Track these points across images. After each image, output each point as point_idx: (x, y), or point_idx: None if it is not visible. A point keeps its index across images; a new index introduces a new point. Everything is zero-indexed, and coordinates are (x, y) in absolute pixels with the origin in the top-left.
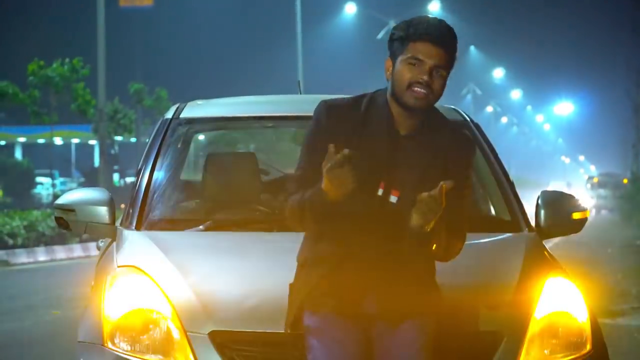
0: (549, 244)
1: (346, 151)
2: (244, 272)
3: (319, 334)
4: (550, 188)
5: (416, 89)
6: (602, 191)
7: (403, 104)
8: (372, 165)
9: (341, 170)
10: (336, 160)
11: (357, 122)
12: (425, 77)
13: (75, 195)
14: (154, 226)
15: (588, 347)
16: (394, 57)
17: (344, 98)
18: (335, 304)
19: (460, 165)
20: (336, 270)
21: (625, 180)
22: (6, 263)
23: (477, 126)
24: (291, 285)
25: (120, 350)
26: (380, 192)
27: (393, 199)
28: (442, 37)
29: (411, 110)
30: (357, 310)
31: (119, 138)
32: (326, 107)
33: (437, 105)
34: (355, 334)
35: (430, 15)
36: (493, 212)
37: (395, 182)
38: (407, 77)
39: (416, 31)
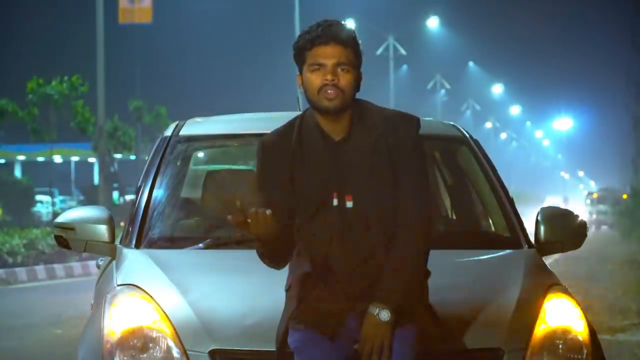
0: (548, 260)
1: (259, 212)
2: (243, 290)
3: (301, 351)
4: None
5: (326, 91)
6: (601, 207)
7: (320, 109)
8: (318, 177)
9: (258, 220)
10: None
11: (294, 144)
12: (330, 77)
13: (74, 213)
14: (153, 244)
15: None
16: (300, 69)
17: (279, 128)
18: (315, 322)
19: (405, 151)
20: (315, 286)
21: (624, 196)
22: (6, 282)
23: (477, 142)
24: (282, 313)
25: None
26: (335, 202)
27: (349, 204)
28: (335, 36)
29: (330, 113)
30: (337, 327)
31: (118, 156)
32: (261, 144)
33: (435, 121)
34: (336, 351)
35: (322, 21)
36: (493, 228)
37: (346, 188)
38: (314, 83)
39: (309, 39)
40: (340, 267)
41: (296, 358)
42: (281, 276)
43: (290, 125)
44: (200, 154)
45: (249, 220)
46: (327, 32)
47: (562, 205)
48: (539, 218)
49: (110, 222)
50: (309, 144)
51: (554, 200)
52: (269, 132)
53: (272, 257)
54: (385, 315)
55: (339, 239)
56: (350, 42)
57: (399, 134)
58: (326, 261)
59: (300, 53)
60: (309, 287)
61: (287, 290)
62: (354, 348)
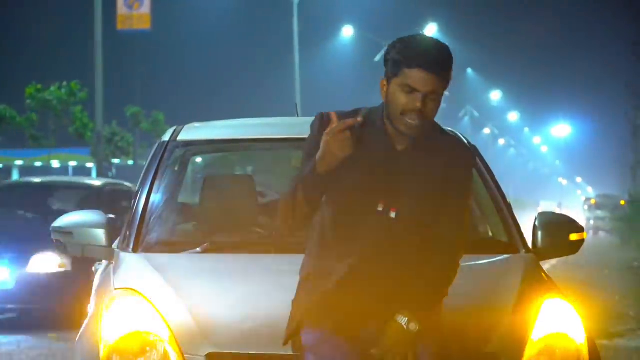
0: (546, 265)
1: (349, 120)
2: (241, 294)
3: (315, 351)
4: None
5: (409, 118)
6: (599, 213)
7: (396, 128)
8: (370, 181)
9: (342, 135)
10: (339, 125)
11: (353, 135)
12: (419, 105)
13: (72, 217)
14: (151, 248)
15: None
16: (388, 77)
17: (341, 111)
18: (334, 323)
19: (459, 179)
20: (339, 286)
21: (622, 202)
22: None
23: (475, 148)
24: (293, 301)
25: None
26: (380, 207)
27: (392, 214)
28: (437, 65)
29: (404, 135)
30: (356, 332)
31: (116, 161)
32: (321, 118)
33: (458, 139)
34: (352, 355)
35: (425, 36)
36: (490, 233)
37: (395, 198)
38: (401, 104)
39: (411, 58)
40: (370, 272)
41: (309, 356)
42: (279, 280)
43: (353, 114)
44: (198, 159)
45: (341, 134)
46: (433, 60)
47: (557, 211)
48: (536, 223)
49: (108, 226)
50: (369, 144)
51: (547, 206)
52: (265, 137)
53: (309, 198)
54: (414, 326)
55: (374, 245)
56: (448, 71)
57: (457, 164)
58: (356, 264)
59: (396, 65)
60: (333, 283)
61: (305, 278)
62: (371, 352)
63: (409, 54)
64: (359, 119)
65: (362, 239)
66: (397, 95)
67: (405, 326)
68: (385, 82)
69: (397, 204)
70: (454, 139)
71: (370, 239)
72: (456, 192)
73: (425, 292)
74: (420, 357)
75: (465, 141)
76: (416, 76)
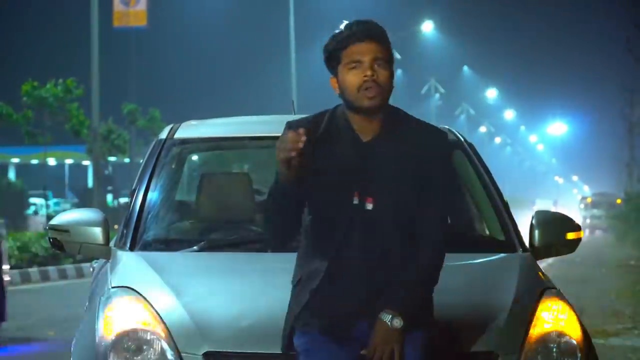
0: (543, 263)
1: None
2: (238, 293)
3: (307, 354)
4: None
5: (367, 91)
6: (595, 211)
7: (359, 108)
8: (342, 176)
9: (291, 150)
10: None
11: (321, 136)
12: (369, 72)
13: (69, 216)
14: (148, 247)
15: None
16: (334, 71)
17: (307, 117)
18: (324, 324)
19: (433, 161)
20: (323, 285)
21: (618, 201)
22: None
23: (471, 146)
24: (288, 307)
25: None
26: (356, 200)
27: (369, 206)
28: (369, 31)
29: (370, 112)
30: (347, 332)
31: (112, 158)
32: (289, 128)
33: (431, 124)
34: (344, 354)
35: (353, 20)
36: (487, 232)
37: (369, 189)
38: (353, 81)
39: (342, 38)
40: (354, 267)
41: (302, 359)
42: (276, 278)
43: (316, 117)
44: (195, 157)
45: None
46: (362, 29)
47: (552, 209)
48: (533, 222)
49: (105, 225)
50: (337, 140)
51: (543, 204)
52: (262, 135)
53: (281, 218)
54: (398, 322)
55: (355, 239)
56: (384, 38)
57: (429, 147)
58: (339, 260)
59: (334, 54)
60: (320, 285)
61: (296, 284)
62: (362, 352)
63: (340, 37)
64: (301, 131)
65: (340, 234)
66: (347, 77)
67: (389, 323)
68: (334, 79)
69: (373, 195)
70: (424, 123)
71: (348, 233)
72: (433, 180)
73: (410, 289)
74: (412, 350)
75: (462, 138)
76: (355, 50)
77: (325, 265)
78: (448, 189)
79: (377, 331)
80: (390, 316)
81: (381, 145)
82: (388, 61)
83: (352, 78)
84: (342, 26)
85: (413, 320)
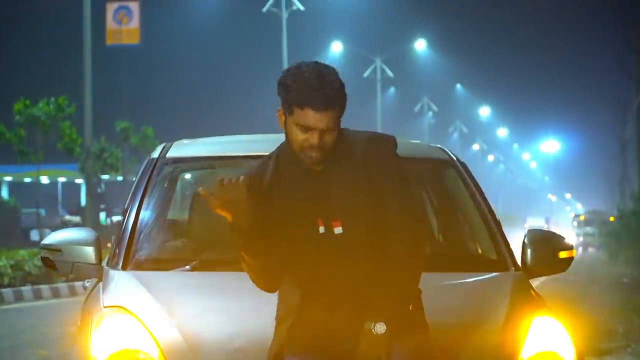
0: (536, 281)
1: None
2: (230, 312)
3: None
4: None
5: (309, 154)
6: (588, 229)
7: (302, 163)
8: (302, 207)
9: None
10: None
11: (271, 176)
12: (316, 142)
13: (61, 235)
14: (140, 266)
15: None
16: (283, 110)
17: (254, 165)
18: (312, 345)
19: (384, 167)
20: (301, 315)
21: (611, 218)
22: None
23: (464, 165)
24: (271, 342)
25: None
26: (321, 229)
27: (338, 230)
28: (325, 102)
29: (310, 167)
30: (333, 350)
31: (105, 176)
32: (221, 183)
33: (422, 144)
34: None
35: (311, 67)
36: (480, 251)
37: (333, 214)
38: (298, 141)
39: (300, 98)
40: (333, 292)
41: None
42: (268, 298)
43: (267, 159)
44: (188, 176)
45: (220, 186)
46: (320, 98)
47: (544, 227)
48: (525, 241)
49: (97, 244)
50: (289, 175)
51: (534, 222)
52: (255, 154)
53: (263, 273)
54: (380, 327)
55: (329, 265)
56: (340, 104)
57: (377, 155)
58: (317, 288)
59: (288, 101)
60: (302, 315)
61: (278, 320)
62: None
63: (298, 95)
64: (242, 178)
65: (311, 263)
66: (294, 133)
67: (372, 330)
68: (282, 113)
69: (339, 218)
70: (364, 133)
71: (319, 261)
72: (389, 185)
73: (388, 292)
74: (400, 356)
75: (454, 157)
76: (309, 116)
77: (297, 298)
78: (406, 189)
79: (363, 341)
80: (373, 323)
81: (333, 170)
82: (338, 124)
83: (299, 138)
84: (298, 76)
85: (398, 325)
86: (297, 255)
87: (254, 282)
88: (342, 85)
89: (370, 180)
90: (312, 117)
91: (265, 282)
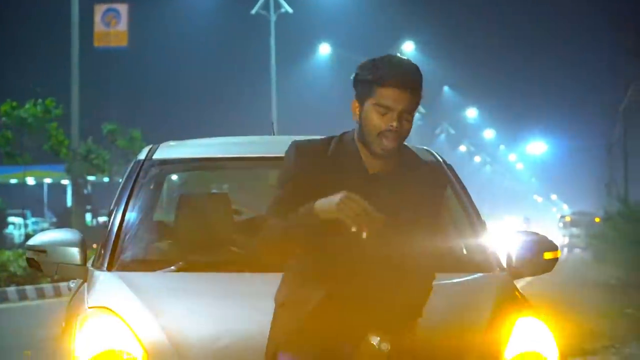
0: (522, 282)
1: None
2: (215, 313)
3: None
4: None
5: (386, 139)
6: (574, 230)
7: (372, 150)
8: None
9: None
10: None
11: (326, 162)
12: (395, 124)
13: (46, 236)
14: (125, 267)
15: None
16: (360, 99)
17: (314, 139)
18: (311, 348)
19: (433, 201)
20: (315, 313)
21: (597, 219)
22: None
23: (450, 167)
24: (271, 326)
25: None
26: (364, 234)
27: (364, 235)
28: (409, 82)
29: (381, 157)
30: (332, 355)
31: (92, 178)
32: (296, 148)
33: (409, 146)
34: None
35: (395, 55)
36: (465, 252)
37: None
38: (377, 125)
39: (382, 76)
40: (346, 295)
41: None
42: (253, 299)
43: (324, 142)
44: (174, 177)
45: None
46: (403, 77)
47: (523, 227)
48: (510, 242)
49: (82, 245)
50: (344, 169)
51: (512, 220)
52: (241, 156)
53: (303, 241)
54: (385, 346)
55: (349, 268)
56: (419, 88)
57: (430, 186)
58: (335, 287)
59: (368, 85)
60: (311, 310)
61: (282, 304)
62: None
63: (381, 73)
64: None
65: (337, 263)
66: (372, 116)
67: (377, 346)
68: (357, 104)
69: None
70: (427, 164)
71: (344, 262)
72: (429, 212)
73: (398, 313)
74: None
75: (440, 159)
76: (390, 94)
77: (318, 293)
78: (440, 224)
79: (363, 353)
80: (379, 339)
81: (385, 178)
82: (414, 111)
83: (377, 121)
84: (383, 59)
85: (399, 347)
86: (326, 250)
87: (261, 246)
88: (422, 78)
89: (415, 204)
90: (394, 95)
91: (279, 251)
